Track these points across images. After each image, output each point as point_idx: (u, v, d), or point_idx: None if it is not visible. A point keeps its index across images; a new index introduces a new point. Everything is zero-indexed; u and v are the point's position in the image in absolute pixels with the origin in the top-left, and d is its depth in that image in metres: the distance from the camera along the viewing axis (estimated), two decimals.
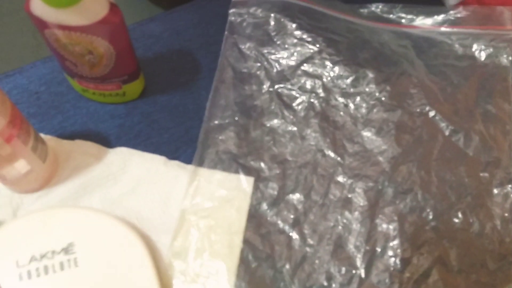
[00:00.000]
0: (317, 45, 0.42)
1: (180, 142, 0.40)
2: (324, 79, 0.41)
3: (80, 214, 0.34)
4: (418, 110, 0.40)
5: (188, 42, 0.46)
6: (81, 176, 0.37)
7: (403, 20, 0.46)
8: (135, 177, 0.37)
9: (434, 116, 0.39)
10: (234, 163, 0.37)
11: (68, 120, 0.41)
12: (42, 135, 0.39)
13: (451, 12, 0.45)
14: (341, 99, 0.40)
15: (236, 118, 0.39)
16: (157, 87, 0.43)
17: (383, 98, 0.40)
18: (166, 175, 0.37)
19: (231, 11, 0.44)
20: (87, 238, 0.33)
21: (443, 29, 0.45)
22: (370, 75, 0.41)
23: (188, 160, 0.39)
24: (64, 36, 0.34)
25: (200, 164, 0.37)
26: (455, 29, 0.45)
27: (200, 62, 0.45)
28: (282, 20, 0.43)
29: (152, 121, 0.41)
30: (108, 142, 0.40)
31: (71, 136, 0.39)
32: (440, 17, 0.45)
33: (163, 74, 0.44)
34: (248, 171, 0.37)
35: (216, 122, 0.39)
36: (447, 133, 0.39)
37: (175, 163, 0.38)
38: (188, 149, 0.40)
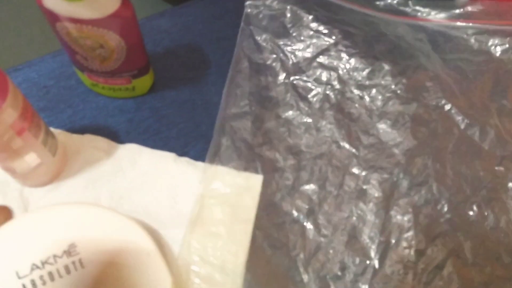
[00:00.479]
0: (333, 37, 0.42)
1: (189, 137, 0.40)
2: (340, 71, 0.41)
3: (76, 210, 0.32)
4: (433, 103, 0.40)
5: (197, 37, 0.46)
6: (91, 170, 0.37)
7: (418, 14, 0.46)
8: (144, 173, 0.37)
9: (449, 110, 0.39)
10: (250, 152, 0.37)
11: (78, 115, 0.41)
12: (51, 129, 0.39)
13: (468, 6, 0.45)
14: (356, 91, 0.40)
15: (252, 108, 0.39)
16: (166, 82, 0.43)
17: (398, 91, 0.40)
18: (175, 172, 0.37)
19: (248, 3, 0.45)
20: (88, 236, 0.31)
21: (459, 23, 0.45)
22: (386, 67, 0.41)
23: (197, 155, 0.39)
24: (75, 30, 0.34)
25: (216, 151, 0.37)
26: (471, 24, 0.44)
27: (209, 58, 0.45)
28: (298, 12, 0.43)
29: (161, 116, 0.41)
30: (117, 136, 0.40)
31: (80, 131, 0.39)
32: (456, 11, 0.45)
33: (172, 69, 0.44)
34: (263, 160, 0.37)
35: (232, 111, 0.39)
36: (462, 126, 0.39)
37: (185, 159, 0.38)
38: (197, 144, 0.40)
